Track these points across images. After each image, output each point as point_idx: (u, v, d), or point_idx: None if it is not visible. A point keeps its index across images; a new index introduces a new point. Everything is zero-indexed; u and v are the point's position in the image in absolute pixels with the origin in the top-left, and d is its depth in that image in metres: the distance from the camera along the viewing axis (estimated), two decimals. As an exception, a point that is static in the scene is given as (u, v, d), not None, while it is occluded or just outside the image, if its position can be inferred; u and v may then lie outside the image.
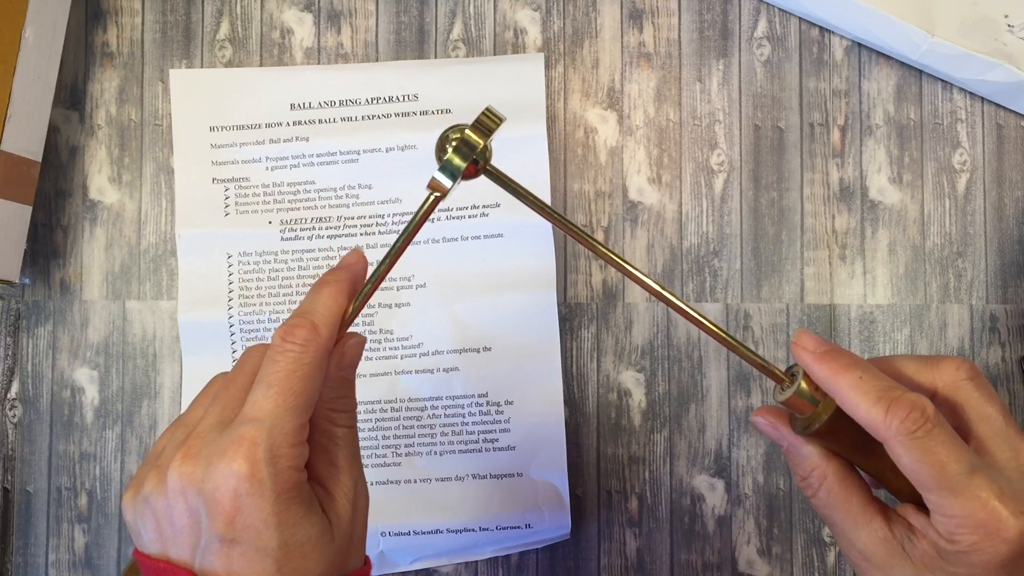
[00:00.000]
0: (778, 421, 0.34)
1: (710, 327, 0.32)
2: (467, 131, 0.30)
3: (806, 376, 0.32)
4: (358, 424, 0.51)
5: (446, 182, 0.30)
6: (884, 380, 0.31)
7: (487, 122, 0.31)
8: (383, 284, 0.52)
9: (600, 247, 0.32)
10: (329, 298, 0.32)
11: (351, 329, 0.33)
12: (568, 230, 0.32)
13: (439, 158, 0.31)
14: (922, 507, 0.31)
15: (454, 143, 0.30)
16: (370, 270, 0.33)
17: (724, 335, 0.32)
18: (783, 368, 0.33)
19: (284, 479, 0.29)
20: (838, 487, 0.32)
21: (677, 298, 0.32)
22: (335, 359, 0.32)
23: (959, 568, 0.30)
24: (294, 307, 0.42)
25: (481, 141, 0.30)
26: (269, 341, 0.32)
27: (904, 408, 0.29)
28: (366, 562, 0.34)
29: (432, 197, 0.31)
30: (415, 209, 0.32)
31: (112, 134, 0.54)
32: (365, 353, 0.52)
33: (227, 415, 0.31)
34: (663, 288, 0.32)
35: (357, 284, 0.33)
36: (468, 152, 0.30)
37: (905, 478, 0.31)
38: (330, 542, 0.30)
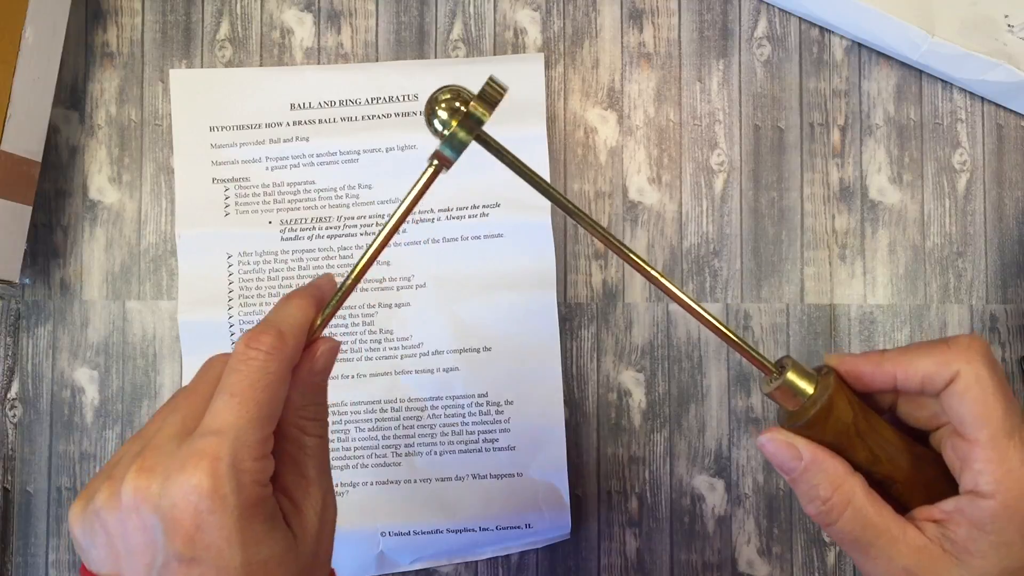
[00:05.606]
0: (792, 438, 0.31)
1: (704, 315, 0.32)
2: (473, 104, 0.29)
3: (795, 366, 0.31)
4: (358, 424, 0.51)
5: (452, 156, 0.29)
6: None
7: (492, 94, 0.29)
8: (383, 285, 0.53)
9: (596, 226, 0.31)
10: (296, 308, 0.30)
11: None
12: (562, 204, 0.31)
13: (436, 123, 0.30)
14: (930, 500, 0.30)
15: (453, 111, 0.29)
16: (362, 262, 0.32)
17: (717, 324, 0.32)
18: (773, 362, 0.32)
19: (247, 494, 0.27)
20: (867, 503, 0.30)
21: (671, 283, 0.32)
22: (306, 363, 0.30)
23: (1004, 533, 0.28)
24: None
25: (488, 114, 0.29)
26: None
27: (964, 340, 0.29)
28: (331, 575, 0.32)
29: (432, 166, 0.30)
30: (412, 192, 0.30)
31: (112, 134, 0.54)
32: (365, 353, 0.52)
33: (187, 426, 0.29)
34: (653, 268, 0.32)
35: (326, 299, 0.32)
36: (474, 126, 0.29)
37: (898, 462, 0.30)
38: (295, 559, 0.29)
